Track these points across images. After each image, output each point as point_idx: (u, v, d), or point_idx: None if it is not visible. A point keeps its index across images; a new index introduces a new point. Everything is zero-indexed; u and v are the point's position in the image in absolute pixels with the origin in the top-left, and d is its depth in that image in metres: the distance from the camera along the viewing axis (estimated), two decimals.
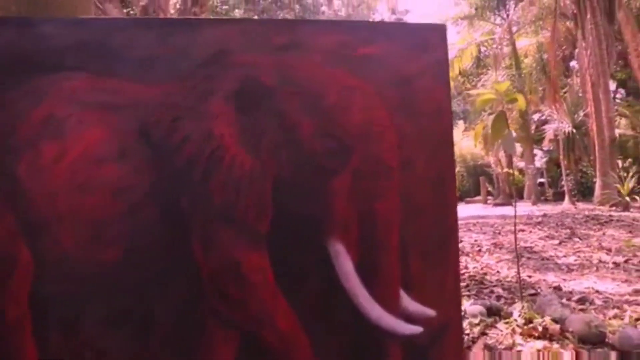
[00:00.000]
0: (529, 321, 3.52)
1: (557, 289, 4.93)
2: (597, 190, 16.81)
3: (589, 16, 16.80)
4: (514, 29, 24.79)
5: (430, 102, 2.08)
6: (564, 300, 4.21)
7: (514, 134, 3.49)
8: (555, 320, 3.47)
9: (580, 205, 17.04)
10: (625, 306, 4.11)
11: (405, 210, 1.99)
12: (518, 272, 4.17)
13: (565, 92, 23.31)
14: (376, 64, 2.04)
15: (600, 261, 6.33)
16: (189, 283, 1.85)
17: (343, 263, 1.90)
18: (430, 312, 1.97)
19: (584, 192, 21.35)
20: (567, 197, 19.56)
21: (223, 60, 1.94)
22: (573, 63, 24.67)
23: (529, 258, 6.72)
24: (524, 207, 16.33)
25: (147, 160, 1.86)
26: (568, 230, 9.25)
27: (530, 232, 9.43)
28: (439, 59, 2.11)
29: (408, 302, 1.96)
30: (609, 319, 3.74)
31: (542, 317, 3.55)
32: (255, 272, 1.87)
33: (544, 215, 12.72)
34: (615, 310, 3.96)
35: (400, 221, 1.98)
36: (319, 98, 1.97)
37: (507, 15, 25.10)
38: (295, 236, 1.91)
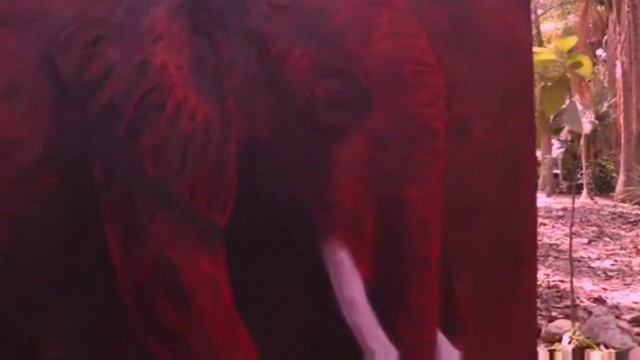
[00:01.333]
0: (579, 348, 2.84)
1: (599, 300, 4.36)
2: (620, 186, 16.16)
3: None
4: (539, 12, 24.18)
5: (502, 34, 1.43)
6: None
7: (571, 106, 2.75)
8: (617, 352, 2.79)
9: (599, 200, 16.44)
10: None
11: (454, 203, 1.31)
12: (571, 283, 3.48)
13: (589, 82, 22.69)
14: None
15: None
16: (99, 297, 1.24)
17: (347, 280, 1.27)
18: None
19: (602, 186, 20.88)
20: (585, 191, 18.99)
21: None
22: (599, 51, 24.00)
23: (556, 258, 6.16)
24: (540, 199, 15.82)
25: (48, 102, 1.28)
26: (595, 228, 8.76)
27: (553, 227, 8.91)
28: None
29: (449, 351, 1.31)
30: None
31: (597, 343, 2.88)
32: (203, 286, 1.26)
33: (564, 209, 12.14)
34: None
35: (444, 220, 1.30)
36: (321, 16, 1.31)
37: None
38: (271, 233, 1.27)
